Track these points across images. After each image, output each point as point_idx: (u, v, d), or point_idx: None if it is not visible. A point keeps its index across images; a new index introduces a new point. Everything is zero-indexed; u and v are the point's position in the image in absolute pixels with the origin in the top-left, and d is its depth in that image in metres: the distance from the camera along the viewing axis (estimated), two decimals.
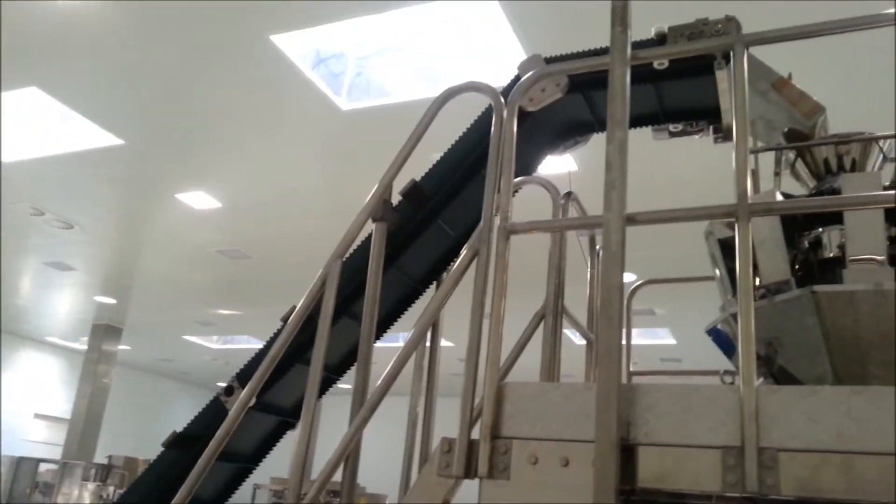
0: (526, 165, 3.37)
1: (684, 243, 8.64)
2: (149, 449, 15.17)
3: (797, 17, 4.94)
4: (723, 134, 3.37)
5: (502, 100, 2.32)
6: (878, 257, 2.44)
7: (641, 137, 3.99)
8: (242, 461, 3.67)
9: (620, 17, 2.07)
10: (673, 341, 14.29)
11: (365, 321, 2.80)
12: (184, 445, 3.42)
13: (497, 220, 2.19)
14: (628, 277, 9.42)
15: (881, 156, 2.89)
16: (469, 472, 2.04)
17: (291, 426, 3.66)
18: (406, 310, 3.50)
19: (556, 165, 7.36)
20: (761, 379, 2.83)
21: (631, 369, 4.08)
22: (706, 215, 2.01)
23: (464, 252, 2.24)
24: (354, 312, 3.21)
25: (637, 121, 3.53)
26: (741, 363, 1.88)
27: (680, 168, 7.05)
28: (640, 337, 14.55)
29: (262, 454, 3.71)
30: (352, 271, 3.13)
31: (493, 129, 2.30)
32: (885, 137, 2.78)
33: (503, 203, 2.18)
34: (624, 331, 4.12)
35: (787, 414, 1.84)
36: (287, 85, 6.48)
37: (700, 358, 14.83)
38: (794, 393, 1.87)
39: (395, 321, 3.53)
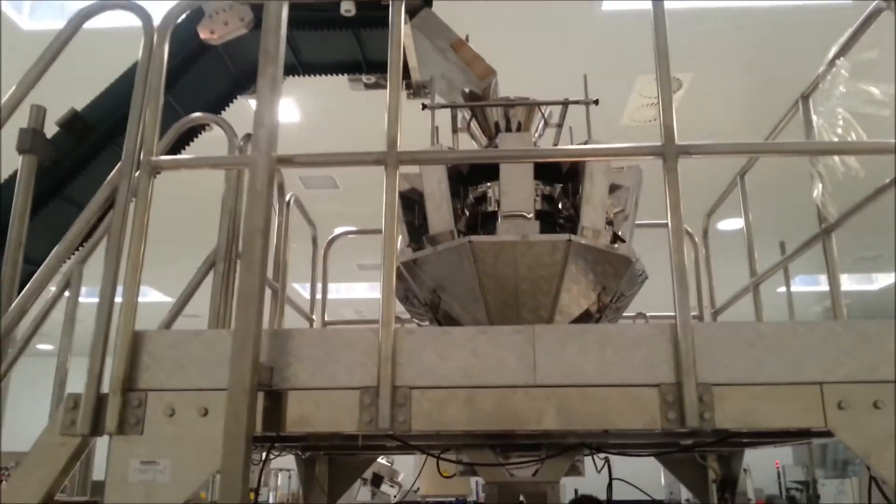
0: (211, 102, 3.15)
1: None
2: None
3: None
4: (413, 90, 3.45)
5: (154, 24, 2.10)
6: (527, 213, 2.67)
7: None
8: None
9: None
10: None
11: (6, 271, 2.43)
12: None
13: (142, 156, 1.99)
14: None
15: (543, 120, 3.17)
16: (97, 429, 1.86)
17: None
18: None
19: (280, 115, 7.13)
20: (427, 324, 2.99)
21: (326, 319, 4.10)
22: (357, 161, 2.02)
23: (102, 188, 2.02)
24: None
25: (341, 68, 3.47)
26: (381, 307, 1.92)
27: None
28: (373, 291, 15.03)
29: None
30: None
31: (140, 54, 2.07)
32: (545, 103, 3.04)
33: (148, 136, 1.98)
34: (320, 285, 4.15)
35: (421, 354, 1.93)
36: None
37: None
38: (428, 334, 1.96)
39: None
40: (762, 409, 1.87)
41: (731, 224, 9.09)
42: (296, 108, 7.04)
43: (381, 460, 8.85)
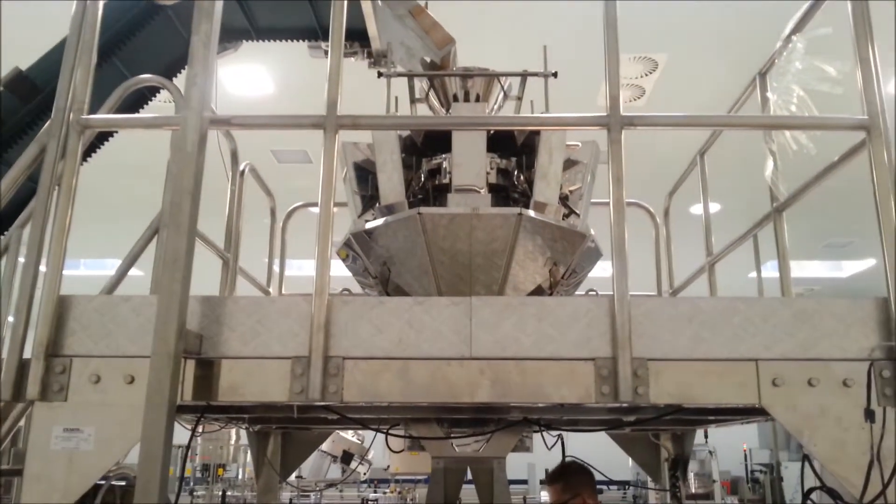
0: (166, 64, 3.07)
1: None
2: None
3: None
4: (374, 59, 3.38)
5: None
6: (478, 186, 2.63)
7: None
8: None
9: None
10: None
11: None
12: None
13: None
14: None
15: (502, 93, 3.11)
16: (19, 394, 1.81)
17: None
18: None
19: (253, 86, 6.99)
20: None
21: (284, 292, 4.05)
22: (296, 124, 1.96)
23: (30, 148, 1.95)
24: None
25: (296, 34, 3.40)
26: (315, 275, 1.88)
27: None
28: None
29: None
30: None
31: (74, 9, 1.99)
32: (503, 75, 2.99)
33: (79, 94, 1.91)
34: (277, 259, 4.08)
35: (356, 324, 1.89)
36: None
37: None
38: (364, 304, 1.92)
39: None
40: (697, 384, 1.85)
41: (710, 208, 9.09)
42: (269, 79, 6.91)
43: (352, 438, 8.84)
